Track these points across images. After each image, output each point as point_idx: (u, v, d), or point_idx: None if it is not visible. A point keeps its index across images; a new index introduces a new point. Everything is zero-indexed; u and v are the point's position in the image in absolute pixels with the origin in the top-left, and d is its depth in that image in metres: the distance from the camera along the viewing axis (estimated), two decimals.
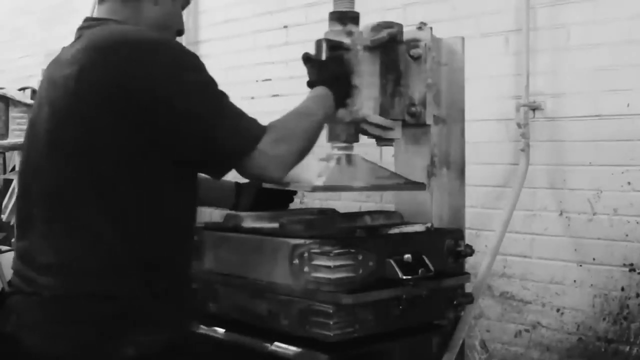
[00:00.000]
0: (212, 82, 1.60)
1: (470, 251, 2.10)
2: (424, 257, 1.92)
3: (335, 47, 1.92)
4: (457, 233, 2.12)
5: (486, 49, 3.08)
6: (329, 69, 1.90)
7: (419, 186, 2.15)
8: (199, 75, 1.58)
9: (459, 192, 2.28)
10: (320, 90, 1.85)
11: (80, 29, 1.70)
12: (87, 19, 1.74)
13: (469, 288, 2.25)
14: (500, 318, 3.08)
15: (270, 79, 4.12)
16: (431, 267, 1.91)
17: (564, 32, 2.90)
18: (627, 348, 2.72)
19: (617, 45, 2.75)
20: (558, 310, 2.91)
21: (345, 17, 1.95)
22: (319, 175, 1.90)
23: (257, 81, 4.14)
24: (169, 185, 1.58)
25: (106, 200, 1.51)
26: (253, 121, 1.62)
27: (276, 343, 1.83)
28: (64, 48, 1.70)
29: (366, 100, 1.99)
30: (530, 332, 2.98)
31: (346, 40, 1.93)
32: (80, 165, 1.52)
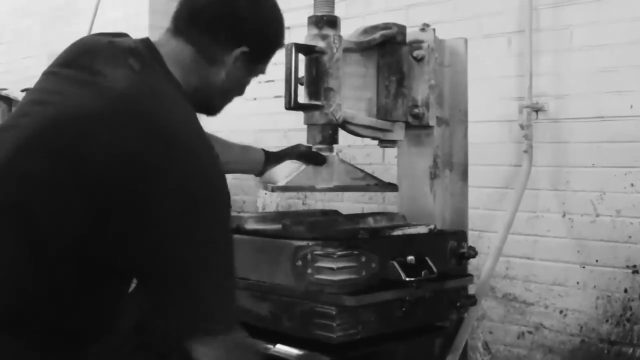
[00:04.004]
0: (218, 238, 1.33)
1: (473, 253, 2.10)
2: (427, 258, 1.92)
3: (308, 50, 1.94)
4: (460, 235, 2.12)
5: (489, 50, 3.08)
6: None
7: (390, 187, 2.15)
8: (210, 223, 1.31)
9: (462, 194, 2.28)
10: None
11: (130, 52, 1.44)
12: (145, 42, 1.49)
13: (471, 289, 2.24)
14: (502, 319, 3.08)
15: (273, 80, 4.11)
16: (434, 269, 1.91)
17: (567, 33, 2.89)
18: (630, 350, 2.71)
19: (621, 46, 2.74)
20: (561, 311, 2.90)
21: (321, 21, 1.96)
22: (287, 176, 1.93)
23: (259, 82, 4.13)
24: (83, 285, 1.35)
25: None
26: (232, 306, 1.37)
27: (279, 345, 1.83)
28: (92, 42, 1.49)
29: (351, 101, 2.00)
30: (533, 333, 2.98)
31: (320, 44, 1.94)
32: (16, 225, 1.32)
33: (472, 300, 2.13)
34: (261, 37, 1.59)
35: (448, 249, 2.06)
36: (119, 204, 1.26)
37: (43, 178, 1.31)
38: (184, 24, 1.54)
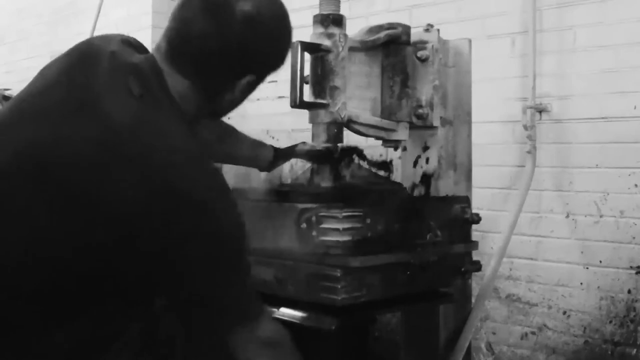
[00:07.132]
0: (237, 257, 1.38)
1: (477, 218, 2.09)
2: (432, 223, 1.91)
3: (313, 49, 1.93)
4: (465, 200, 2.11)
5: (492, 51, 3.07)
6: None
7: (396, 187, 2.15)
8: (230, 262, 1.36)
9: (466, 194, 2.27)
10: None
11: (131, 70, 1.37)
12: (150, 62, 1.39)
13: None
14: (506, 320, 3.07)
15: (275, 81, 4.10)
16: (438, 233, 1.90)
17: (571, 34, 2.89)
18: (634, 351, 2.71)
19: (624, 47, 2.74)
20: (564, 312, 2.90)
21: (327, 20, 1.95)
22: (293, 174, 1.92)
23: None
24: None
25: None
26: (255, 299, 1.41)
27: (283, 308, 1.81)
28: (94, 52, 1.41)
29: (355, 100, 2.00)
30: (537, 334, 2.98)
31: (326, 42, 1.93)
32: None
33: (477, 266, 2.12)
34: (268, 61, 1.50)
35: (453, 214, 2.05)
36: (117, 241, 1.27)
37: (25, 204, 1.30)
38: (180, 58, 1.41)
